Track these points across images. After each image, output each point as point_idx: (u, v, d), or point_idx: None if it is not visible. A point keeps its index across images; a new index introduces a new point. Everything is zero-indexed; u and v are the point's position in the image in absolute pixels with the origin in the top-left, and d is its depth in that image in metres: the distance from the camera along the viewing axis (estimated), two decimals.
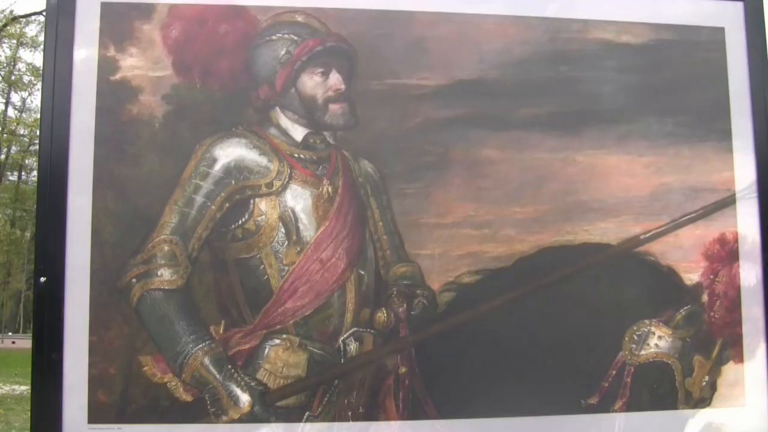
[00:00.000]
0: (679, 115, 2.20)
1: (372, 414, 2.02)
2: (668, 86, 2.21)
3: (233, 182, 2.01)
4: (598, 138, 2.16)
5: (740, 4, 2.26)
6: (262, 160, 2.04)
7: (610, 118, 2.17)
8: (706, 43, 2.24)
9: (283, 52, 2.05)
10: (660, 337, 2.14)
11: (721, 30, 2.25)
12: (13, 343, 23.21)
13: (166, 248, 1.97)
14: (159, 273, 1.96)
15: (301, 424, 1.98)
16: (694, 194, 2.19)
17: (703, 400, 2.15)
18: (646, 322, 2.14)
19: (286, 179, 2.04)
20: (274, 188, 2.03)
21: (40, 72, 2.07)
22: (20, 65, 24.24)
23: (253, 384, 1.97)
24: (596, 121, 2.17)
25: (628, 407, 2.11)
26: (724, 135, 2.22)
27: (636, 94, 2.20)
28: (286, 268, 2.01)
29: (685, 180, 2.19)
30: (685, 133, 2.20)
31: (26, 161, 26.27)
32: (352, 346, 2.02)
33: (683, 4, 2.26)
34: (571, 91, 2.17)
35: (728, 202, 2.20)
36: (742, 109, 2.23)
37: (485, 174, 2.11)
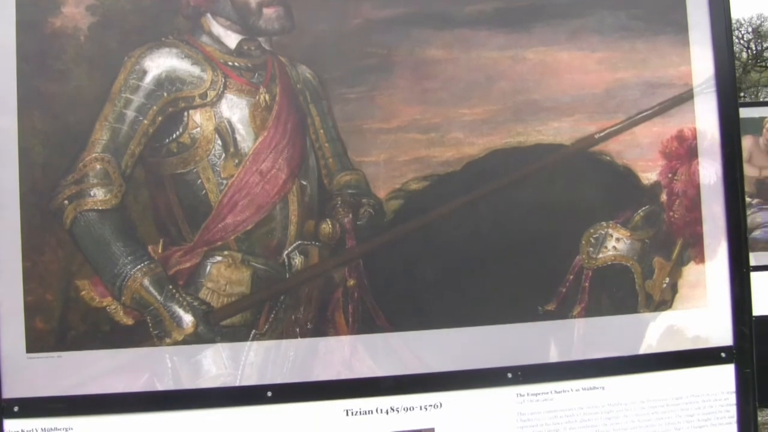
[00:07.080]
0: (632, 8, 2.14)
1: (321, 329, 1.97)
2: None
3: (165, 94, 1.92)
4: (549, 34, 2.09)
5: None
6: (195, 70, 1.95)
7: (560, 13, 2.10)
8: None
9: None
10: (618, 240, 2.10)
11: None
12: None
13: (98, 167, 1.89)
14: (92, 193, 1.88)
15: (248, 343, 1.93)
16: (650, 90, 2.14)
17: (664, 302, 2.13)
18: (603, 224, 2.10)
19: (221, 89, 1.95)
20: (208, 99, 1.94)
21: None
22: None
23: (195, 304, 1.92)
24: (546, 16, 2.09)
25: (588, 312, 2.08)
26: (680, 28, 2.16)
27: None
28: (225, 181, 1.94)
29: (641, 75, 2.13)
30: (640, 26, 2.14)
31: None
32: (297, 260, 1.97)
33: None
34: None
35: (686, 97, 2.15)
36: (698, 0, 2.15)
37: (431, 75, 2.04)
